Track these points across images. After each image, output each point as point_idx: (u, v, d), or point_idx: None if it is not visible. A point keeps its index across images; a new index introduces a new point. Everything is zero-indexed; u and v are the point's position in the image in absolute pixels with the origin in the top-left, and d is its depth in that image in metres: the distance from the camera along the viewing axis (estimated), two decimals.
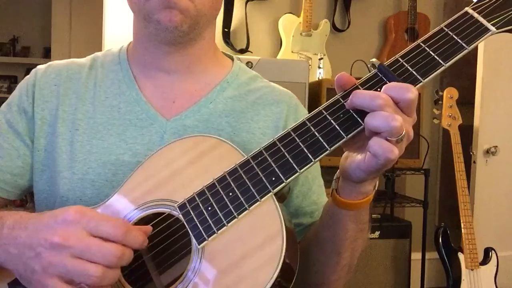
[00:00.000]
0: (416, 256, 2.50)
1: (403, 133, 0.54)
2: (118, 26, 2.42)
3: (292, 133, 0.59)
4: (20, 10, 4.48)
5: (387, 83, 0.58)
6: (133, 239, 0.57)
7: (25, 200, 3.26)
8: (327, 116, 0.58)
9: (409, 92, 0.55)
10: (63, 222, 0.56)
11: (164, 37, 0.75)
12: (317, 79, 2.51)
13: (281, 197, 0.61)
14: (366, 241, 0.74)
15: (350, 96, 0.57)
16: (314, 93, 2.29)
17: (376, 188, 0.65)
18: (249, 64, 2.06)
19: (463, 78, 2.88)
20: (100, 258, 0.54)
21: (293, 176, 0.58)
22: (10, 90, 4.33)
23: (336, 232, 0.69)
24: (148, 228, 0.61)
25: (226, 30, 2.57)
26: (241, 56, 2.31)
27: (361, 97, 0.56)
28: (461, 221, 2.20)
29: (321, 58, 2.57)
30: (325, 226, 0.71)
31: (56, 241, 0.55)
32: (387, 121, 0.53)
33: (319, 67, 2.55)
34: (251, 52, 2.61)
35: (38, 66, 0.83)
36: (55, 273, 0.54)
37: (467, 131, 2.51)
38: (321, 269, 0.74)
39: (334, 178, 0.66)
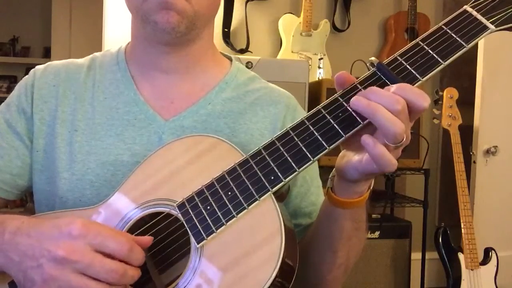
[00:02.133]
0: (416, 256, 2.50)
1: (403, 140, 0.54)
2: (118, 26, 2.42)
3: (291, 132, 0.59)
4: (20, 10, 4.48)
5: (386, 81, 0.58)
6: (135, 256, 0.57)
7: (25, 200, 3.26)
8: (326, 115, 0.58)
9: (426, 101, 0.55)
10: (68, 236, 0.55)
11: (161, 38, 0.74)
12: (317, 79, 2.50)
13: (281, 197, 0.61)
14: (363, 241, 0.74)
15: (366, 91, 0.56)
16: (314, 93, 2.28)
17: (371, 188, 0.65)
18: (249, 64, 2.06)
19: (463, 78, 2.87)
20: (103, 275, 0.54)
21: (292, 175, 0.58)
22: (9, 90, 4.33)
23: (332, 230, 0.69)
24: (149, 238, 0.60)
25: (226, 30, 2.57)
26: (241, 56, 2.31)
27: (381, 95, 0.54)
28: (461, 221, 2.19)
29: (321, 58, 2.57)
30: (321, 225, 0.71)
31: (60, 255, 0.54)
32: (394, 124, 0.53)
33: (319, 67, 2.55)
34: (251, 52, 2.61)
35: (37, 67, 0.83)
36: (55, 287, 0.54)
37: (467, 131, 2.51)
38: (317, 268, 0.74)
39: (330, 176, 0.67)
